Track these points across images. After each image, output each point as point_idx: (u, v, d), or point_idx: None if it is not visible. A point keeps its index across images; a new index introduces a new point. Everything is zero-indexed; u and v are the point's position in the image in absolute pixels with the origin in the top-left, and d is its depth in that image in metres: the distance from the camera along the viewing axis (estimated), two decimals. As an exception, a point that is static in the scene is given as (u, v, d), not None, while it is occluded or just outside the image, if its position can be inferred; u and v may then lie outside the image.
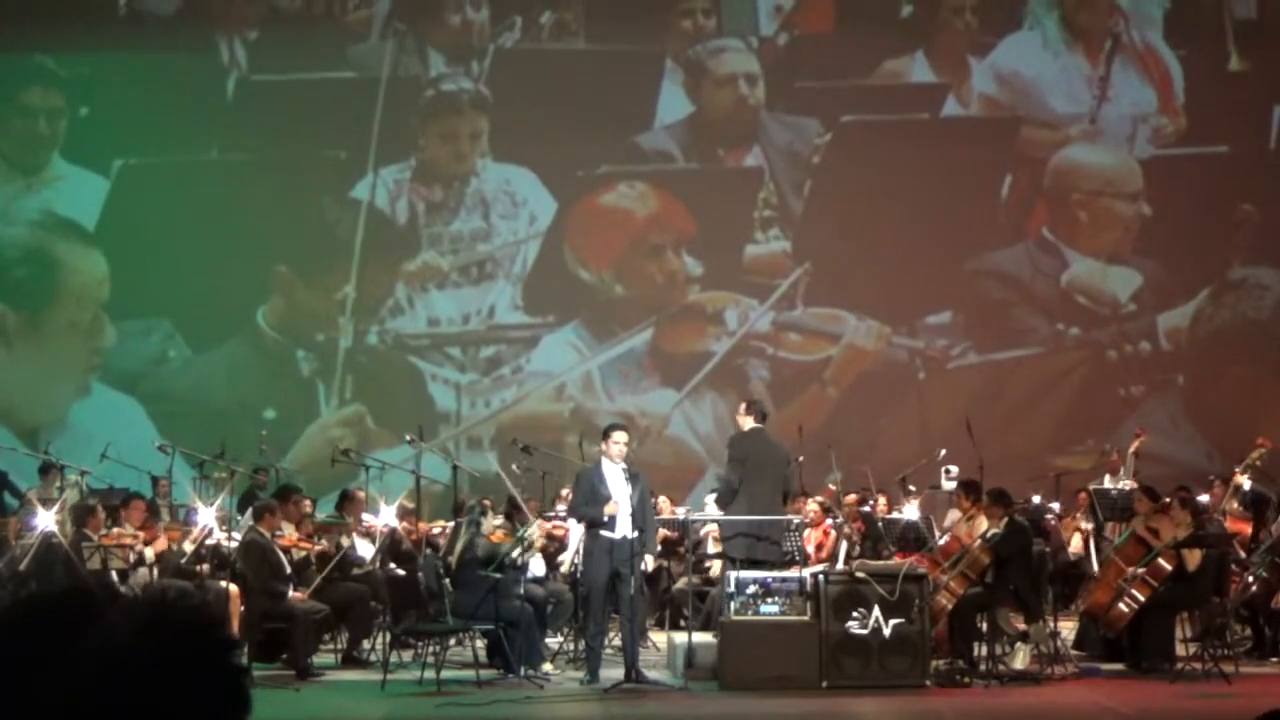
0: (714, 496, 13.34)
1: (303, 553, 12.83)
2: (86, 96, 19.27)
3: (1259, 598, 13.01)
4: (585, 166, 19.30)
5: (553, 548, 13.81)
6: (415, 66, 19.46)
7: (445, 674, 11.77)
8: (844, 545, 12.45)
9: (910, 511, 14.39)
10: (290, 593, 12.40)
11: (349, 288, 19.16)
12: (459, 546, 12.22)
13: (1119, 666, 12.34)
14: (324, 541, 13.15)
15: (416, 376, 19.23)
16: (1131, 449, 15.33)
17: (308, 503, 14.49)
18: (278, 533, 12.63)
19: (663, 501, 14.81)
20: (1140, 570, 12.07)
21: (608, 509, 11.63)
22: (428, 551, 12.96)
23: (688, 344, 19.27)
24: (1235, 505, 14.14)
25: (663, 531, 14.37)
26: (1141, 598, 12.01)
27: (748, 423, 12.72)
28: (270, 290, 19.20)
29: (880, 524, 14.15)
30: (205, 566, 12.45)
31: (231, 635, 1.72)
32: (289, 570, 12.52)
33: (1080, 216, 19.59)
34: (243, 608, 12.11)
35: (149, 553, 12.49)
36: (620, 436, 11.95)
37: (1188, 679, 11.58)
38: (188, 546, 12.69)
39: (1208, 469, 16.88)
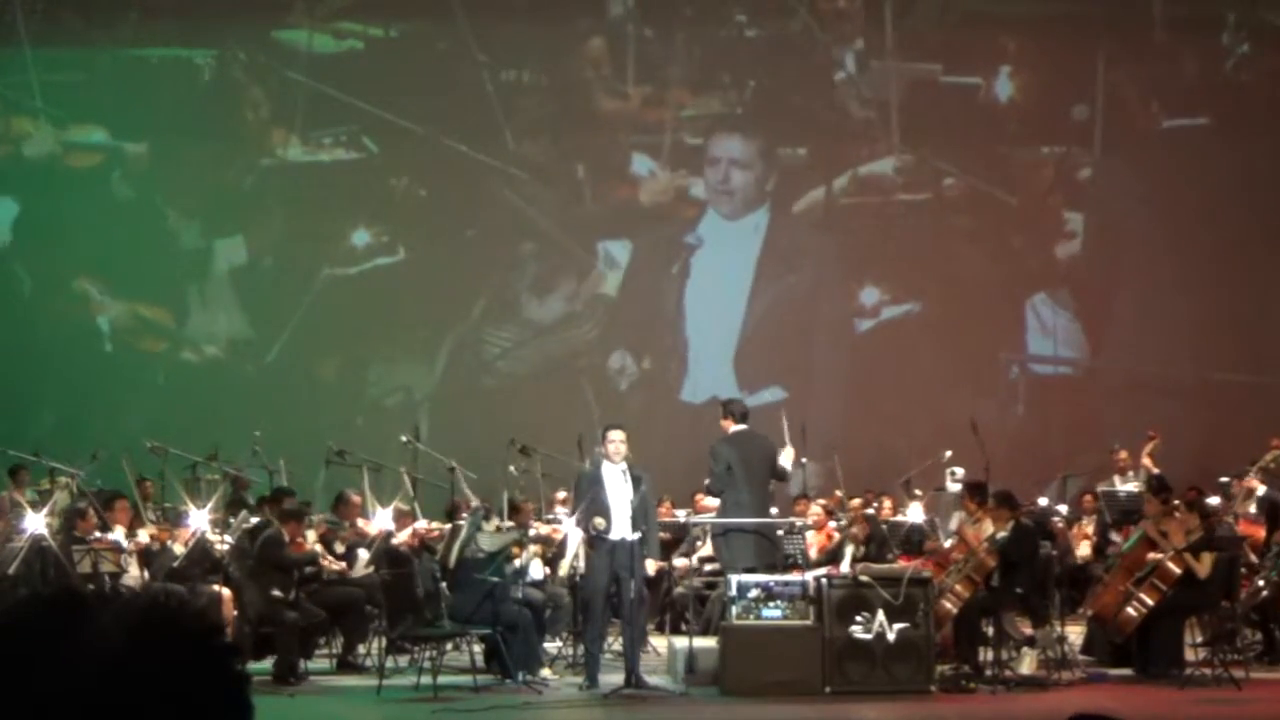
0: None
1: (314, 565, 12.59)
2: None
3: (1270, 602, 12.87)
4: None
5: (550, 551, 13.64)
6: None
7: (442, 679, 11.61)
8: (849, 548, 12.30)
9: (914, 514, 14.22)
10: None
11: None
12: (458, 543, 12.05)
13: (1127, 672, 12.23)
14: (329, 558, 12.95)
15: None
16: (1145, 451, 15.11)
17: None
18: (299, 539, 12.43)
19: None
20: (1148, 574, 11.90)
21: (595, 523, 11.54)
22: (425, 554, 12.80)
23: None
24: (1249, 508, 13.97)
25: (662, 534, 14.20)
26: (1150, 602, 11.84)
27: (730, 426, 12.52)
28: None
29: (885, 527, 13.98)
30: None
31: (232, 641, 1.64)
32: (297, 576, 12.29)
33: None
34: (235, 612, 11.96)
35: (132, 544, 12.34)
36: (616, 435, 11.84)
37: (1197, 684, 11.47)
38: (178, 549, 12.50)
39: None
